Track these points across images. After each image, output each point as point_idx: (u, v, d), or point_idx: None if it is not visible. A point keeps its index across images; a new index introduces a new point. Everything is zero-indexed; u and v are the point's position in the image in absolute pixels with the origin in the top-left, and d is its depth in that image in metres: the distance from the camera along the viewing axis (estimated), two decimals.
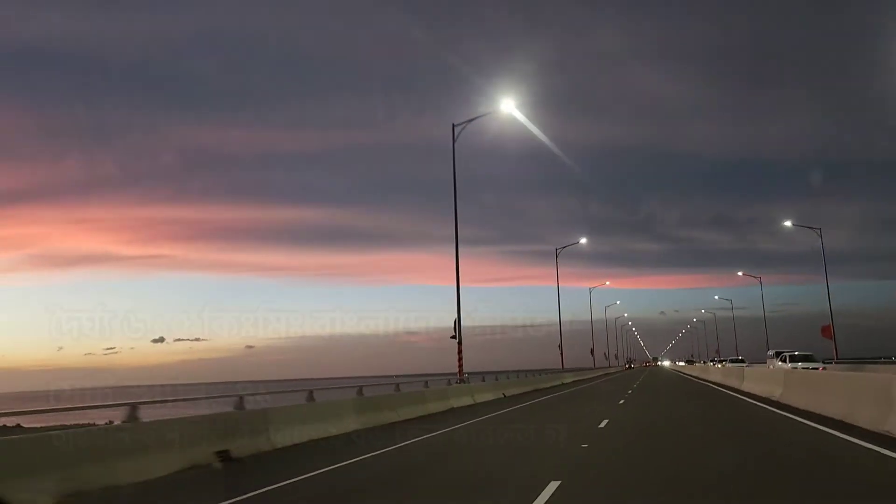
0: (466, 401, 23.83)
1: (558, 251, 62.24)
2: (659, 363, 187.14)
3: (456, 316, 25.13)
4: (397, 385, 20.45)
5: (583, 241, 64.83)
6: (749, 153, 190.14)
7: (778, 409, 17.13)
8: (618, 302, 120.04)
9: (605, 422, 15.72)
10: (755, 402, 20.12)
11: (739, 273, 78.31)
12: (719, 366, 59.08)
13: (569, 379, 52.02)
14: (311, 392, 14.89)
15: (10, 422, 16.62)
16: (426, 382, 22.89)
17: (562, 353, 61.13)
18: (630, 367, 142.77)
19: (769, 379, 22.45)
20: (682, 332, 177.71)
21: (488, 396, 27.17)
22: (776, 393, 19.93)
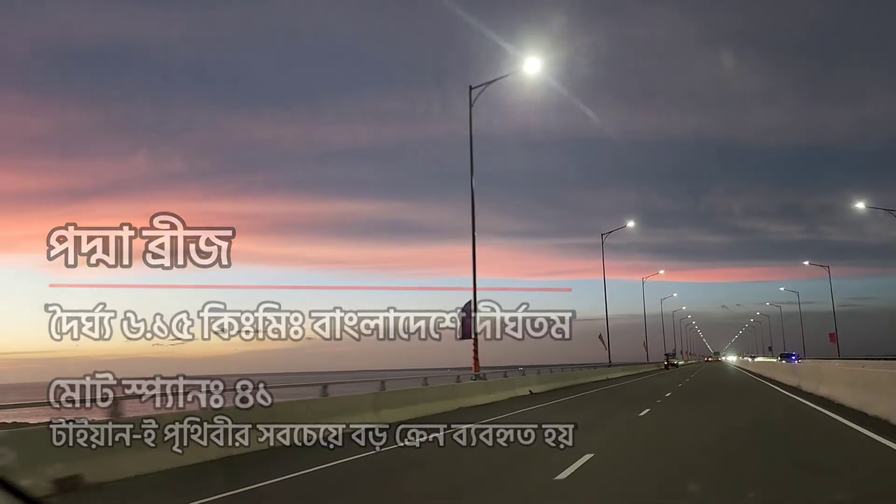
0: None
1: (604, 236, 59.37)
2: (722, 358, 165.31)
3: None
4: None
5: (630, 224, 61.14)
6: (818, 141, 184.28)
7: None
8: (675, 294, 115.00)
9: None
10: None
11: (805, 262, 73.82)
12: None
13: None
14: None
15: None
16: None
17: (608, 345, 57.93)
18: (671, 365, 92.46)
19: None
20: (746, 326, 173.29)
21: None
22: None
